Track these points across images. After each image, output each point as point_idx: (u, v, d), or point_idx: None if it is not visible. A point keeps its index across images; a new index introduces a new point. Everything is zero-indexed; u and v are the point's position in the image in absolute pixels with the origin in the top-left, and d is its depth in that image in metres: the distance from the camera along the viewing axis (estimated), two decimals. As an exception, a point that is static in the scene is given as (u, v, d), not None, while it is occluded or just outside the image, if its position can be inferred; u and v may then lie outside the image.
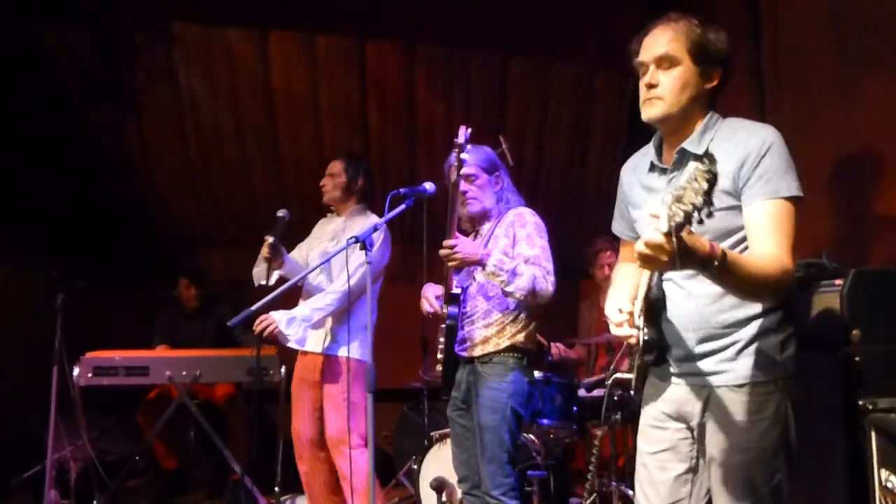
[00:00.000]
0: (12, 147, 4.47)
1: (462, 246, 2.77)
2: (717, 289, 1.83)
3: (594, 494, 3.72)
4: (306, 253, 3.82)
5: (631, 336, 1.89)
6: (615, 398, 3.70)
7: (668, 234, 1.48)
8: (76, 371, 4.12)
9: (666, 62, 1.87)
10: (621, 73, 5.03)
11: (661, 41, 1.88)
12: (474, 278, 3.00)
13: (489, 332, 2.94)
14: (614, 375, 2.80)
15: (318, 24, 4.69)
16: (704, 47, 1.85)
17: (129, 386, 4.28)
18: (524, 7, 4.67)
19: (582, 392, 3.96)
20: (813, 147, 3.47)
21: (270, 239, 3.37)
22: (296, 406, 3.70)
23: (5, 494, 4.41)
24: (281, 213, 3.43)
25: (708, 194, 1.42)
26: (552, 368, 4.09)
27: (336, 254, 3.04)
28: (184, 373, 4.22)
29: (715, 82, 1.90)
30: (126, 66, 4.76)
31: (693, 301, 1.91)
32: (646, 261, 1.57)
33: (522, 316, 2.95)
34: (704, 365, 1.91)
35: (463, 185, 2.92)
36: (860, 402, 2.36)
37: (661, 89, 1.87)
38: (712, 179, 1.43)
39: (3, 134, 4.37)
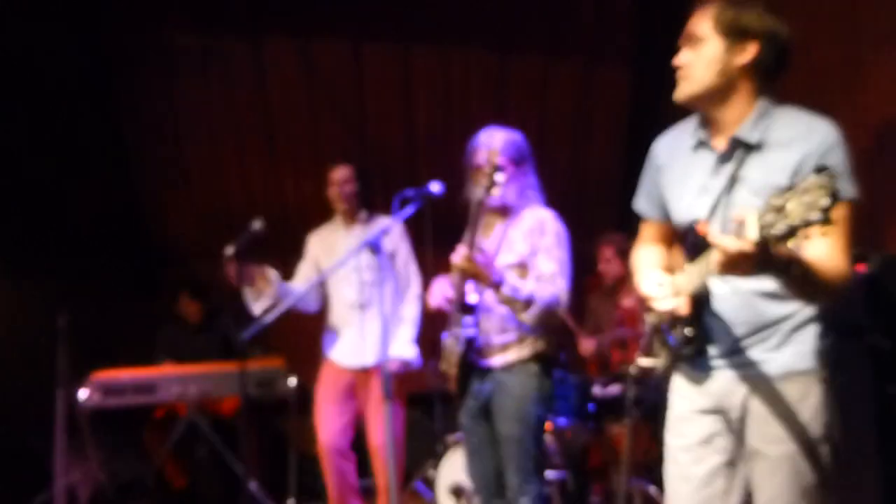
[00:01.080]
0: (8, 158, 4.40)
1: (480, 262, 2.63)
2: (764, 284, 1.79)
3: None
4: (314, 271, 3.72)
5: (677, 307, 1.83)
6: (633, 395, 3.67)
7: (759, 244, 1.44)
8: (84, 393, 4.05)
9: (692, 41, 1.84)
10: (619, 69, 5.01)
11: (692, 23, 1.85)
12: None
13: (507, 338, 2.82)
14: (639, 365, 2.81)
15: (313, 27, 4.65)
16: (732, 20, 1.79)
17: (137, 405, 4.21)
18: (520, 6, 4.64)
19: (597, 389, 3.92)
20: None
21: (229, 251, 3.25)
22: (325, 418, 3.63)
23: (13, 522, 4.35)
24: (255, 224, 3.33)
25: (826, 212, 1.35)
26: (565, 367, 4.05)
27: (347, 259, 3.00)
28: (192, 389, 4.17)
29: (750, 56, 1.79)
30: (122, 75, 4.70)
31: (740, 296, 1.86)
32: (726, 267, 1.54)
33: (540, 325, 2.80)
34: (748, 356, 1.87)
35: (490, 200, 2.75)
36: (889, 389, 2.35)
37: (685, 68, 1.85)
38: (833, 196, 1.35)
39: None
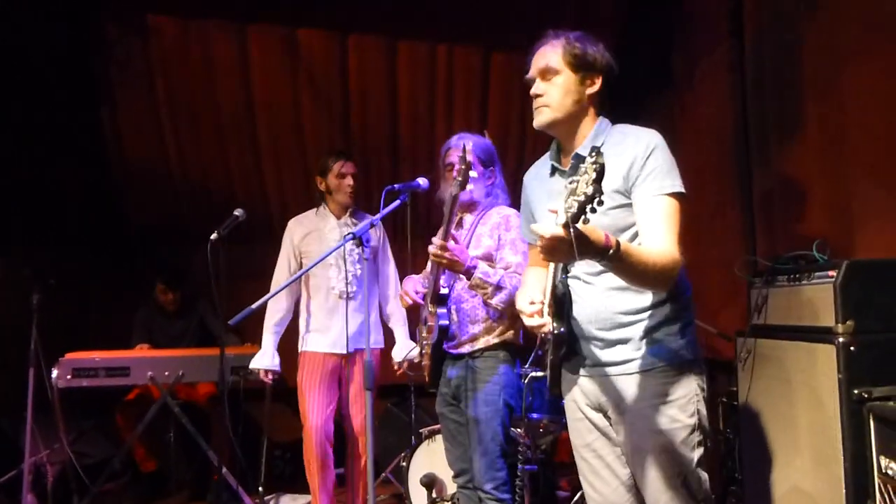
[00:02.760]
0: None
1: (454, 251, 2.79)
2: (617, 282, 1.99)
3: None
4: (300, 261, 3.79)
5: (544, 325, 1.97)
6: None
7: (565, 226, 1.62)
8: (55, 373, 4.03)
9: (548, 73, 2.07)
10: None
11: (542, 56, 2.09)
12: (460, 277, 3.00)
13: (476, 329, 2.99)
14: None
15: (298, 17, 4.62)
16: (580, 56, 2.05)
17: (109, 387, 4.19)
18: (506, 2, 4.66)
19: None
20: (796, 141, 3.54)
21: (214, 237, 3.47)
22: (315, 403, 3.69)
23: (-20, 499, 4.30)
24: (237, 211, 3.58)
25: (598, 182, 1.58)
26: (540, 362, 4.09)
27: (334, 250, 3.06)
28: (166, 373, 4.17)
29: (596, 87, 2.08)
30: (101, 59, 4.64)
31: (595, 296, 2.06)
32: (548, 252, 1.71)
33: (509, 314, 2.97)
34: (610, 356, 2.06)
35: (456, 169, 2.88)
36: (856, 391, 2.42)
37: (546, 97, 2.06)
38: (600, 169, 1.58)
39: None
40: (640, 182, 1.97)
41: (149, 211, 5.28)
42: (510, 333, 3.01)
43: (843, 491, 2.41)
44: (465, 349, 3.00)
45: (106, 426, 4.81)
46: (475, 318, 2.99)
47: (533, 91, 2.09)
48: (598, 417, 2.12)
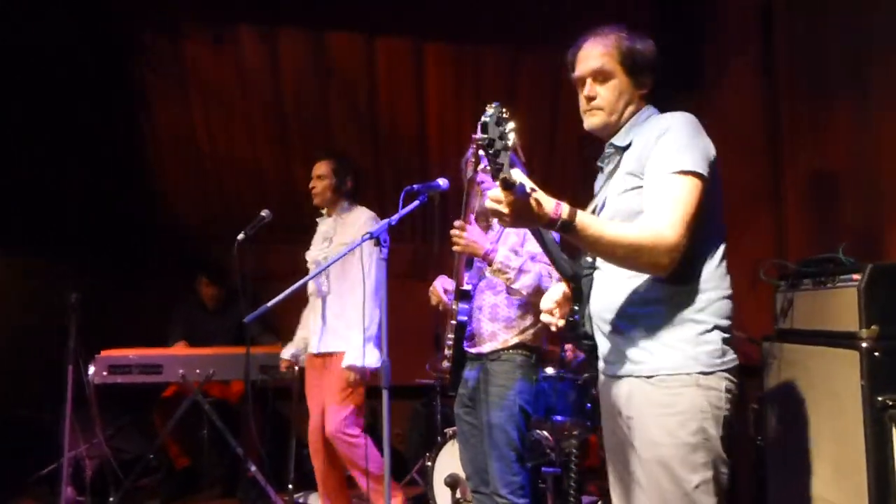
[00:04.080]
0: (25, 143, 4.49)
1: (471, 233, 2.79)
2: (626, 274, 1.89)
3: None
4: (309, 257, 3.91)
5: (551, 323, 1.99)
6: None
7: (503, 183, 1.60)
8: (91, 370, 4.15)
9: (601, 76, 1.98)
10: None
11: (593, 56, 1.99)
12: (484, 274, 3.01)
13: (496, 326, 2.97)
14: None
15: (327, 21, 4.69)
16: (634, 59, 1.97)
17: (143, 384, 4.30)
18: (534, 4, 4.65)
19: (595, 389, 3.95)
20: (828, 144, 3.47)
21: (241, 237, 3.52)
22: (313, 402, 3.78)
23: (23, 490, 4.45)
24: (263, 212, 3.63)
25: (502, 136, 1.59)
26: (565, 365, 4.08)
27: (351, 249, 3.06)
28: (197, 371, 4.25)
29: (648, 88, 2.02)
30: (136, 65, 4.77)
31: (612, 285, 1.94)
32: (493, 215, 1.70)
33: (531, 313, 2.96)
34: (622, 354, 1.91)
35: (479, 177, 2.92)
36: (880, 399, 2.36)
37: (600, 100, 1.99)
38: (498, 119, 1.61)
39: (15, 130, 4.39)
40: (649, 164, 1.87)
41: (180, 211, 5.40)
42: (530, 333, 2.97)
43: (867, 499, 2.36)
44: (485, 348, 2.97)
45: (142, 423, 4.94)
46: (495, 316, 2.97)
47: (586, 93, 2.01)
48: (618, 423, 1.97)
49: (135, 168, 5.20)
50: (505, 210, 1.64)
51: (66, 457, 4.08)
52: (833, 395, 2.56)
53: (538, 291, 2.80)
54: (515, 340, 2.95)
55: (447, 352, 3.05)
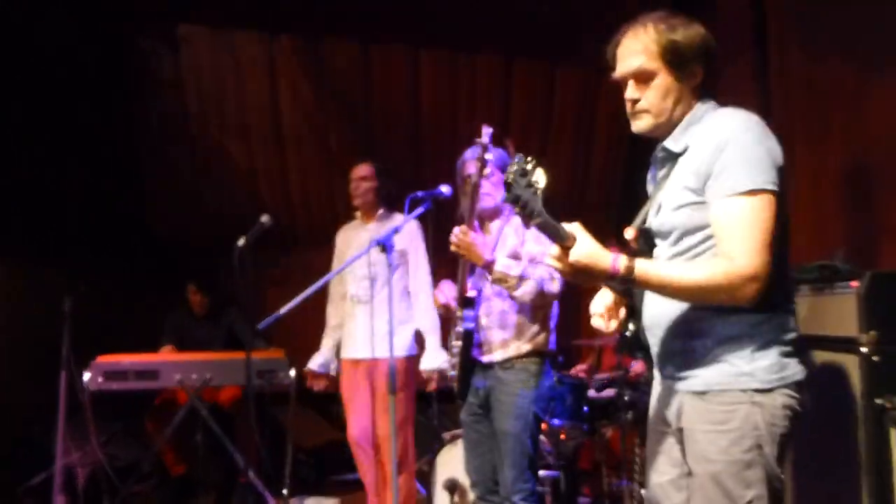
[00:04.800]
0: (17, 148, 4.45)
1: (472, 240, 2.78)
2: None
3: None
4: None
5: (601, 329, 1.93)
6: (625, 398, 3.75)
7: (561, 247, 1.64)
8: (87, 376, 4.11)
9: (643, 76, 1.81)
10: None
11: (633, 54, 1.82)
12: (489, 280, 2.99)
13: (507, 334, 2.93)
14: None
15: (323, 27, 4.71)
16: (677, 51, 1.78)
17: (138, 390, 4.27)
18: (527, 10, 4.70)
19: (592, 392, 3.99)
20: (824, 150, 3.53)
21: (241, 243, 3.37)
22: (351, 412, 3.79)
23: (13, 500, 4.40)
24: (263, 218, 3.48)
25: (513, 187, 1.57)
26: (562, 368, 4.12)
27: (358, 257, 3.08)
28: (193, 376, 4.22)
29: (698, 78, 1.83)
30: (132, 68, 4.75)
31: (662, 298, 1.81)
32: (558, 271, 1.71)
33: (540, 317, 2.95)
34: (675, 367, 1.84)
35: (474, 168, 2.87)
36: (878, 402, 2.42)
37: (645, 102, 1.83)
38: (521, 172, 1.58)
39: (8, 135, 4.35)
40: (710, 182, 1.72)
41: (174, 217, 5.38)
42: (541, 338, 2.95)
43: (867, 502, 2.41)
44: (496, 356, 2.94)
45: (134, 429, 4.91)
46: (505, 323, 2.93)
47: (629, 96, 1.84)
48: (664, 432, 1.92)
49: (129, 174, 5.17)
50: (563, 269, 1.65)
51: (59, 465, 4.04)
52: (832, 398, 2.61)
53: (542, 295, 2.81)
54: (528, 348, 2.92)
55: (453, 359, 3.04)
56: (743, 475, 1.71)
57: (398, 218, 3.76)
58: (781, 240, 1.71)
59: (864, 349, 2.47)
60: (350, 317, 3.79)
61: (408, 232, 3.68)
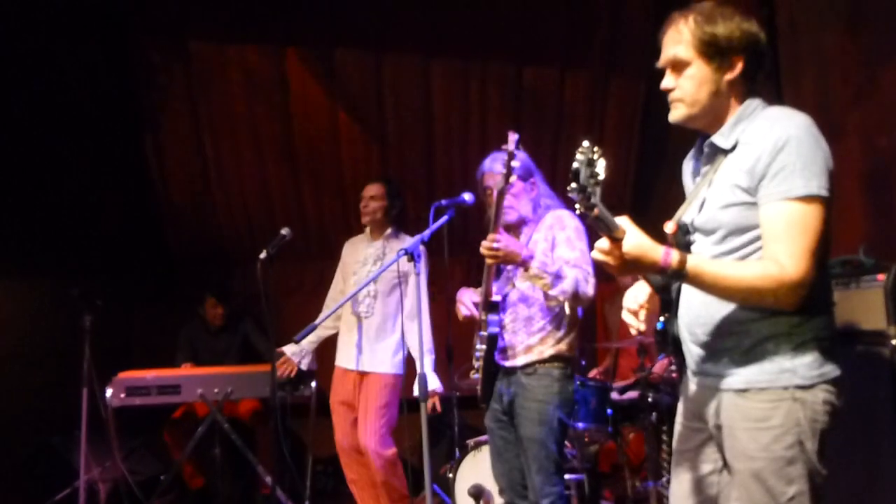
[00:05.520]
0: (32, 164, 4.47)
1: (506, 242, 2.73)
2: None
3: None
4: (342, 280, 3.97)
5: (632, 326, 1.93)
6: (649, 399, 3.76)
7: (612, 239, 1.62)
8: (109, 392, 4.11)
9: (678, 65, 1.83)
10: (632, 78, 5.13)
11: (670, 44, 1.84)
12: (514, 285, 2.97)
13: (532, 340, 2.90)
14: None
15: (334, 39, 4.75)
16: (712, 42, 1.78)
17: (160, 405, 4.28)
18: (536, 18, 4.75)
19: (615, 395, 4.01)
20: (839, 147, 3.55)
21: (263, 256, 3.46)
22: (339, 416, 3.89)
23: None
24: (284, 231, 3.57)
25: (581, 180, 1.53)
26: (584, 372, 4.14)
27: (387, 267, 3.11)
28: (215, 390, 4.23)
29: (737, 71, 1.80)
30: (143, 84, 4.78)
31: (702, 296, 1.80)
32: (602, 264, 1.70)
33: (564, 323, 2.92)
34: (713, 365, 1.84)
35: (502, 162, 2.80)
36: (911, 394, 2.44)
37: (679, 92, 1.84)
38: (589, 162, 1.54)
39: (21, 151, 4.37)
40: (765, 183, 1.71)
41: (189, 232, 5.40)
42: (565, 343, 2.92)
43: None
44: (519, 361, 2.91)
45: (152, 443, 4.91)
46: (530, 328, 2.91)
47: (664, 85, 1.86)
48: (699, 428, 1.92)
49: (141, 191, 5.20)
50: (612, 262, 1.65)
51: (83, 480, 4.05)
52: (861, 394, 2.63)
53: (576, 297, 2.78)
54: (551, 352, 2.89)
55: (475, 363, 3.03)
56: (785, 472, 1.72)
57: (405, 238, 3.85)
58: (826, 242, 1.71)
59: (893, 342, 2.50)
60: (349, 328, 3.89)
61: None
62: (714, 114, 1.85)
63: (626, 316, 1.94)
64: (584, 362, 4.13)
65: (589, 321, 5.20)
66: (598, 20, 4.90)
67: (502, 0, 4.77)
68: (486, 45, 4.85)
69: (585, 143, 1.56)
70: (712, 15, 1.79)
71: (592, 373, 4.64)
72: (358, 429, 3.78)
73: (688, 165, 2.04)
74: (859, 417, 2.64)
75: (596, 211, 1.56)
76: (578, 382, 3.80)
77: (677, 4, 1.86)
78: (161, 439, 4.76)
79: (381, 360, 3.80)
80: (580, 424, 3.83)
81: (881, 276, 2.60)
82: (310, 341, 3.96)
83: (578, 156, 1.55)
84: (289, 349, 3.98)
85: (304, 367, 4.01)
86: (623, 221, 1.66)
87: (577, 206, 1.56)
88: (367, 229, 3.96)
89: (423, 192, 5.25)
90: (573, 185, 1.53)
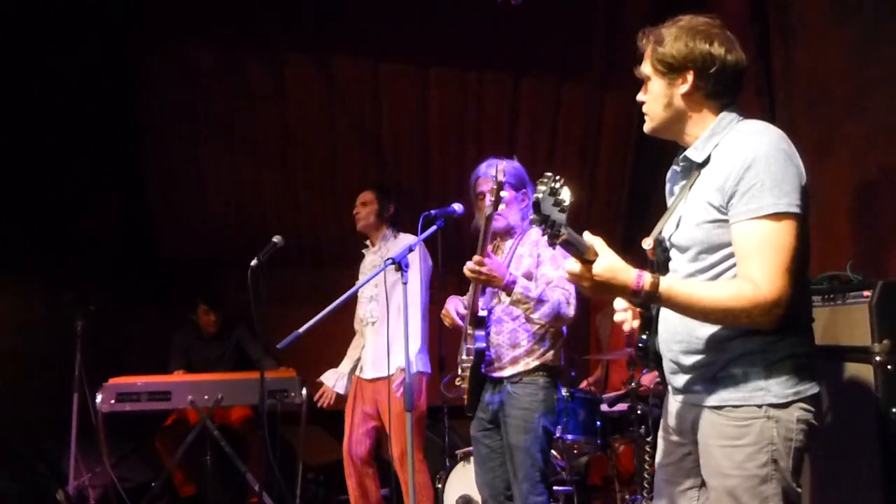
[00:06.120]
0: (26, 169, 4.49)
1: (491, 266, 2.79)
2: None
3: None
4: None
5: (624, 322, 1.95)
6: (638, 412, 3.76)
7: (582, 262, 1.66)
8: (99, 398, 4.11)
9: (647, 80, 1.92)
10: (628, 91, 5.13)
11: (643, 61, 1.93)
12: (500, 300, 3.02)
13: (517, 352, 2.97)
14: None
15: (332, 47, 4.76)
16: (663, 60, 1.85)
17: (150, 411, 4.27)
18: (533, 30, 4.77)
19: (604, 407, 4.00)
20: (829, 164, 3.57)
21: (254, 263, 3.42)
22: (350, 426, 3.88)
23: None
24: (275, 238, 3.55)
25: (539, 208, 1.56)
26: (574, 383, 4.14)
27: (372, 278, 3.12)
28: (205, 397, 4.23)
29: (688, 86, 1.83)
30: (141, 90, 4.80)
31: (674, 314, 1.82)
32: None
33: (549, 335, 2.99)
34: (691, 382, 1.85)
35: (489, 198, 2.87)
36: (894, 410, 2.43)
37: (645, 105, 1.94)
38: (553, 191, 1.58)
39: (16, 156, 4.38)
40: (734, 202, 1.71)
41: (184, 238, 5.40)
42: (550, 354, 2.99)
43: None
44: (506, 373, 2.98)
45: (143, 450, 4.90)
46: (516, 342, 2.97)
47: (637, 98, 1.96)
48: (679, 443, 1.94)
49: (136, 196, 5.20)
50: (585, 284, 1.67)
51: (73, 485, 4.04)
52: (846, 408, 2.63)
53: (557, 318, 2.85)
54: (536, 363, 2.96)
55: (461, 372, 3.10)
56: (759, 490, 1.72)
57: (404, 236, 3.88)
58: (802, 259, 1.71)
59: (878, 358, 2.49)
60: (361, 338, 3.95)
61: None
62: (677, 126, 1.90)
63: (617, 316, 1.96)
64: (573, 373, 4.13)
65: (581, 332, 5.19)
66: (596, 32, 4.91)
67: (500, 12, 4.78)
68: (483, 56, 4.87)
69: (548, 174, 1.60)
70: (662, 35, 1.86)
71: (583, 384, 4.64)
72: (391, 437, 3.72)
73: (669, 179, 2.05)
74: (843, 433, 2.64)
75: (563, 236, 1.58)
76: (567, 394, 3.82)
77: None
78: (153, 446, 4.76)
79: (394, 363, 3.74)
80: (569, 436, 3.84)
81: (867, 293, 2.59)
82: (345, 366, 4.00)
83: (540, 186, 1.59)
84: (325, 377, 3.98)
85: (340, 391, 3.95)
86: (597, 243, 1.67)
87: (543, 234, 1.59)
88: (368, 239, 4.00)
89: (419, 201, 5.25)
90: (534, 216, 1.56)
